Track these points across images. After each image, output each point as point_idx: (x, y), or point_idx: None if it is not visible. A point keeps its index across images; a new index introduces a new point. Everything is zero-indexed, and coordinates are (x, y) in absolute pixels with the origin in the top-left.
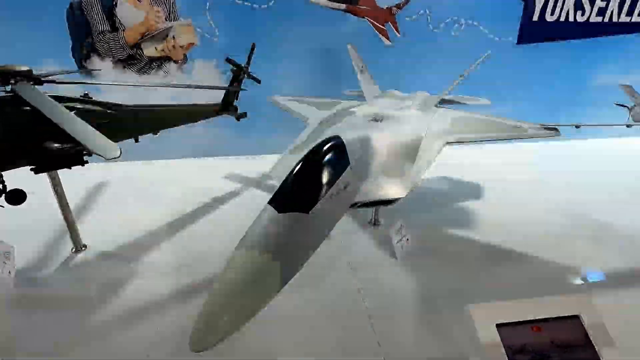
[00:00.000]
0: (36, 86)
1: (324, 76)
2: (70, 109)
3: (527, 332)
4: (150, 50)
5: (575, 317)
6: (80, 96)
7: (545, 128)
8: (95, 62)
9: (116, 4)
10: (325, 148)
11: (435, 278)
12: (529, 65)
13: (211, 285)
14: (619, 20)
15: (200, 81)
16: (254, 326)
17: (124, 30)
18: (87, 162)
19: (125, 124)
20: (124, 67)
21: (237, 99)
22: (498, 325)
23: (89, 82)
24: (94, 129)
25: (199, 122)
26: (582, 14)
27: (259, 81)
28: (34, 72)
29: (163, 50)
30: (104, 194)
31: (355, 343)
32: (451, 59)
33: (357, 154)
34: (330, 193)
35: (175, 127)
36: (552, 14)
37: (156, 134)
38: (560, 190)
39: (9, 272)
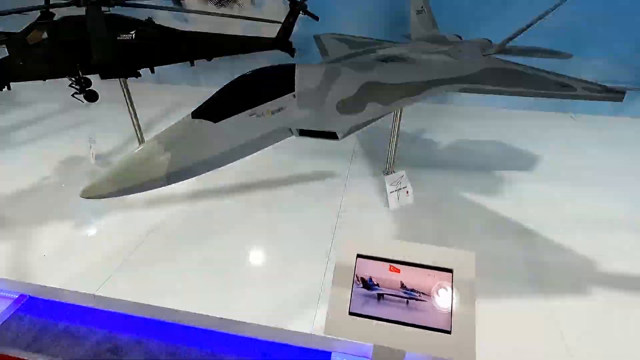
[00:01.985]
0: (105, 6)
1: (390, 18)
2: (132, 29)
3: (383, 269)
4: None
5: (449, 271)
6: (145, 20)
7: (607, 90)
8: None
9: None
10: (266, 72)
11: (417, 231)
12: None
13: None
14: None
15: (269, 15)
16: None
17: None
18: (139, 74)
19: (180, 47)
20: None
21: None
22: (359, 255)
23: (150, 5)
24: None
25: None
26: None
27: (316, 18)
28: None
29: None
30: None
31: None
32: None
33: (312, 84)
34: (253, 112)
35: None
36: None
37: (209, 60)
38: None
39: (92, 154)
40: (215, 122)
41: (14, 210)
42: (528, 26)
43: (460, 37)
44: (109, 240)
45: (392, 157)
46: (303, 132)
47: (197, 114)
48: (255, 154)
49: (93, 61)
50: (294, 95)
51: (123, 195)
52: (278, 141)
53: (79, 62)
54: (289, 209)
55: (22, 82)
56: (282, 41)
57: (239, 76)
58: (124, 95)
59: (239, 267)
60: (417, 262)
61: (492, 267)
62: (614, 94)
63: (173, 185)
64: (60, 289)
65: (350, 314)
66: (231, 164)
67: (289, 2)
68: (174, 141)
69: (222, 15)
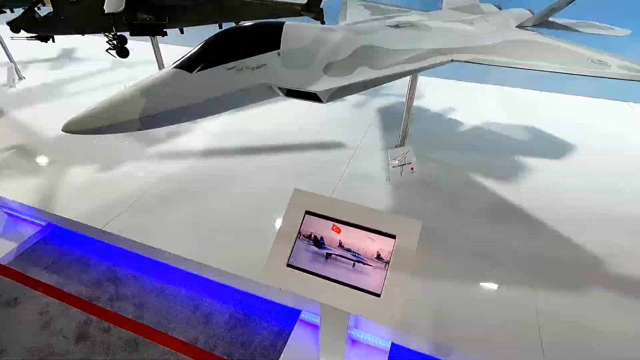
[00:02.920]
0: None
1: None
2: None
3: (325, 227)
4: None
5: (392, 237)
6: None
7: None
8: None
9: None
10: (253, 28)
11: (410, 207)
12: None
13: None
14: None
15: None
16: None
17: None
18: (166, 33)
19: (209, 10)
20: None
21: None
22: (308, 212)
23: None
24: None
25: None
26: None
27: None
28: None
29: None
30: None
31: None
32: None
33: (301, 44)
34: (232, 66)
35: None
36: None
37: (238, 24)
38: None
39: None
40: (191, 72)
41: (53, 152)
42: None
43: (499, 8)
44: (124, 184)
45: (405, 133)
46: (285, 92)
47: (177, 65)
48: (268, 119)
49: (106, 9)
50: (278, 53)
51: (99, 133)
52: (260, 99)
53: (113, 19)
54: (290, 174)
55: (76, 37)
56: (313, 7)
57: (224, 29)
58: (154, 51)
59: (231, 220)
60: (364, 224)
61: (480, 250)
62: None
63: (192, 142)
64: (75, 220)
65: (289, 266)
66: (250, 128)
67: None
68: (150, 88)
69: None
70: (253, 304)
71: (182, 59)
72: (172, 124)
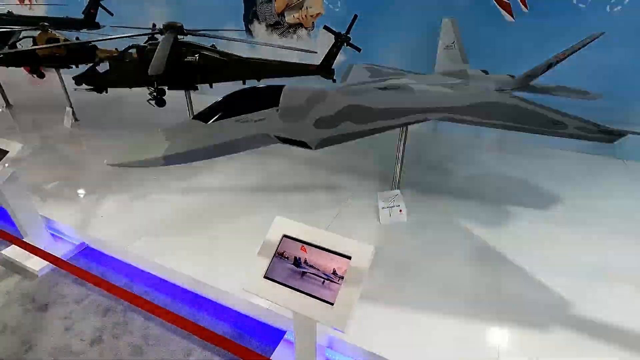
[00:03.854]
0: (180, 35)
1: (429, 50)
2: (196, 53)
3: (296, 247)
4: (289, 17)
5: (348, 257)
6: (209, 46)
7: (600, 131)
8: (255, 25)
9: None
10: (258, 90)
11: (396, 245)
12: None
13: None
14: None
15: (322, 45)
16: None
17: (275, 1)
18: (197, 88)
19: (235, 69)
20: (272, 30)
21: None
22: (285, 236)
23: (217, 36)
24: None
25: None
26: None
27: (359, 49)
28: (186, 28)
29: (298, 18)
30: None
31: None
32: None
33: (296, 102)
34: (238, 118)
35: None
36: None
37: (259, 80)
38: None
39: None
40: (206, 122)
41: (91, 180)
42: (549, 65)
43: (486, 72)
44: (148, 212)
45: (398, 178)
46: (281, 140)
47: (195, 116)
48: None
49: (150, 71)
50: (277, 110)
51: (134, 166)
52: (261, 145)
53: (155, 77)
54: (290, 211)
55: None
56: (325, 68)
57: (235, 91)
58: (187, 103)
59: (229, 247)
60: (327, 247)
61: (450, 289)
62: (607, 136)
63: (207, 179)
64: (103, 240)
65: (266, 277)
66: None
67: (333, 35)
68: (173, 133)
69: (267, 44)
70: (245, 323)
71: (201, 112)
72: (187, 162)
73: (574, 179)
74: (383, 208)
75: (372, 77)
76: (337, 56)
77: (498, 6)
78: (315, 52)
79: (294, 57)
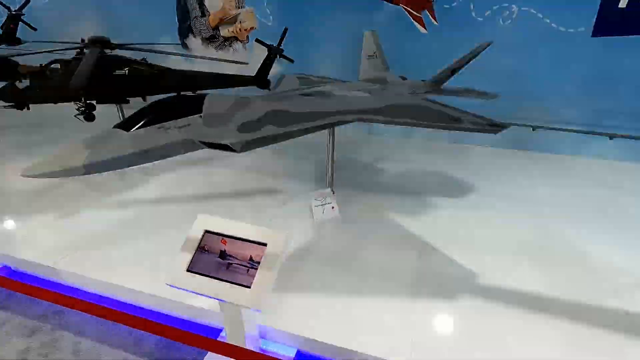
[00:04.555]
0: (108, 49)
1: (354, 60)
2: (126, 66)
3: (218, 241)
4: (224, 31)
5: (265, 245)
6: (140, 60)
7: (490, 124)
8: (191, 39)
9: None
10: (181, 99)
11: (329, 239)
12: (608, 62)
13: None
14: None
15: (257, 57)
16: None
17: (209, 15)
18: (129, 101)
19: (169, 81)
20: (208, 44)
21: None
22: (207, 231)
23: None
24: None
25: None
26: None
27: (292, 60)
28: (114, 42)
29: (233, 32)
30: None
31: None
32: (497, 52)
33: (219, 110)
34: (161, 126)
35: None
36: None
37: (194, 92)
38: None
39: None
40: (127, 130)
41: (16, 200)
42: (452, 71)
43: (404, 78)
44: (76, 228)
45: (331, 178)
46: (207, 144)
47: (116, 125)
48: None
49: (70, 85)
50: (200, 116)
51: (52, 177)
52: (185, 151)
53: (82, 90)
54: (231, 216)
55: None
56: (260, 79)
57: (157, 100)
58: (118, 115)
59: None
60: (244, 237)
61: (373, 269)
62: (495, 128)
63: (146, 193)
64: (27, 260)
65: (188, 271)
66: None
67: (266, 47)
68: (93, 142)
69: (197, 57)
70: (181, 326)
71: (122, 121)
72: (109, 170)
73: (487, 171)
74: (316, 206)
75: (303, 85)
76: (272, 67)
77: (413, 20)
78: (247, 64)
79: (233, 69)
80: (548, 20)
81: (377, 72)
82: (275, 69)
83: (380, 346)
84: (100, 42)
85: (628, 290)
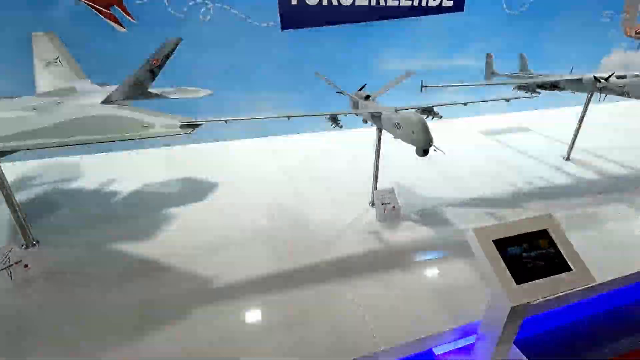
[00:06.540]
0: None
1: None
2: None
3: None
4: None
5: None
6: None
7: (181, 126)
8: None
9: None
10: None
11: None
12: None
13: None
14: (387, 5)
15: None
16: None
17: None
18: None
19: None
20: None
21: None
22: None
23: None
24: None
25: None
26: None
27: None
28: None
29: None
30: None
31: None
32: (200, 47)
33: None
34: None
35: None
36: None
37: None
38: None
39: None
40: None
41: None
42: (151, 71)
43: (102, 85)
44: None
45: (26, 227)
46: None
47: None
48: None
49: None
50: None
51: None
52: None
53: None
54: None
55: None
56: None
57: None
58: None
59: None
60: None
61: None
62: (189, 128)
63: None
64: None
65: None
66: None
67: None
68: None
69: None
70: None
71: None
72: None
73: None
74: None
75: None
76: None
77: (104, 18)
78: None
79: None
80: (243, 16)
81: (65, 82)
82: None
83: None
84: None
85: None
